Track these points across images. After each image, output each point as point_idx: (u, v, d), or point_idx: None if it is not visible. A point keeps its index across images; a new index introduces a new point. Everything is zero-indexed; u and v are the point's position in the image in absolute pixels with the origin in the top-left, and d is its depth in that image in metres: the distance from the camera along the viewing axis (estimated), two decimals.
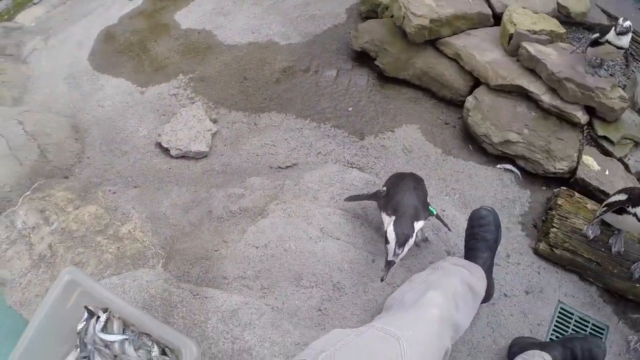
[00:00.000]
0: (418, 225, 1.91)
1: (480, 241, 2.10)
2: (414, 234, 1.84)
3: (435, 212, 2.04)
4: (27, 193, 2.49)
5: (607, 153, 2.78)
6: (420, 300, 1.70)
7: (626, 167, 2.77)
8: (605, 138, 2.79)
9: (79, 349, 1.82)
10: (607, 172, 2.66)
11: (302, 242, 2.12)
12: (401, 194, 1.94)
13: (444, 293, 1.74)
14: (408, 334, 1.52)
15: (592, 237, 2.35)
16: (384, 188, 2.08)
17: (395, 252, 1.78)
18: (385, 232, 1.82)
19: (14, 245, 2.29)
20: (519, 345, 2.16)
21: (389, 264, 1.81)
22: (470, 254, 2.11)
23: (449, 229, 2.19)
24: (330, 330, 1.64)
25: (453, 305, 1.74)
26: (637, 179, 2.76)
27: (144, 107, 3.08)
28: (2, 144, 2.62)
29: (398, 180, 2.07)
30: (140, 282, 2.02)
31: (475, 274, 1.94)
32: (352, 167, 2.60)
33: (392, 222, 1.83)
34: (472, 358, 2.17)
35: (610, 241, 2.36)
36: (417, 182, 2.07)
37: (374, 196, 2.11)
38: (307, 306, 1.99)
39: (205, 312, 1.89)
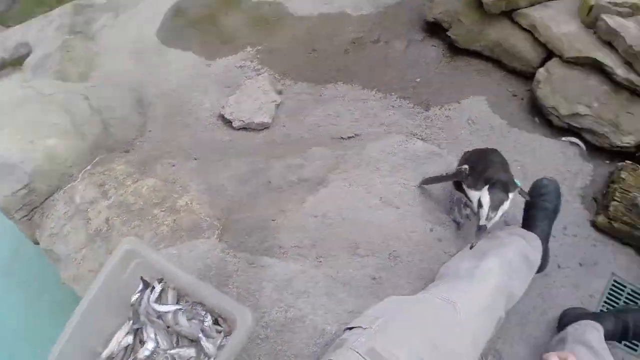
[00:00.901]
0: (511, 195, 1.80)
1: (539, 210, 2.03)
2: (508, 200, 1.73)
3: (519, 184, 1.94)
4: (88, 168, 2.49)
5: None
6: (476, 269, 1.67)
7: None
8: None
9: (131, 321, 1.80)
10: None
11: (361, 211, 2.05)
12: (492, 168, 1.84)
13: (500, 262, 1.70)
14: (464, 300, 1.50)
15: None
16: (465, 166, 1.96)
17: (488, 215, 1.70)
18: (480, 197, 1.73)
19: (71, 221, 2.30)
20: (570, 315, 2.10)
21: (481, 229, 1.72)
22: (528, 222, 2.04)
23: (529, 198, 2.06)
24: (384, 299, 1.59)
25: (508, 275, 1.70)
26: None
27: (209, 79, 3.05)
28: (67, 120, 2.62)
29: (483, 156, 1.97)
30: (197, 252, 1.98)
31: (531, 243, 1.88)
32: (416, 137, 2.50)
33: (485, 189, 1.74)
34: (522, 328, 2.09)
35: None
36: (501, 156, 1.97)
37: (456, 175, 2.00)
38: (362, 275, 1.93)
39: (260, 281, 1.84)
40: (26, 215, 2.41)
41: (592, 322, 1.92)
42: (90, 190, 2.36)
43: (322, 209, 2.06)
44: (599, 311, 2.21)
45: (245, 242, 2.07)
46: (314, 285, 1.83)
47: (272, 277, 1.85)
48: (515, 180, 1.89)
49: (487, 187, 1.76)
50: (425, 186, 2.19)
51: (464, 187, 1.94)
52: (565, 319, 2.10)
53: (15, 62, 3.72)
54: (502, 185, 1.75)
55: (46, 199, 2.42)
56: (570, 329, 1.95)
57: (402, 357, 1.31)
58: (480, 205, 1.72)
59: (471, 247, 1.77)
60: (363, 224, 2.02)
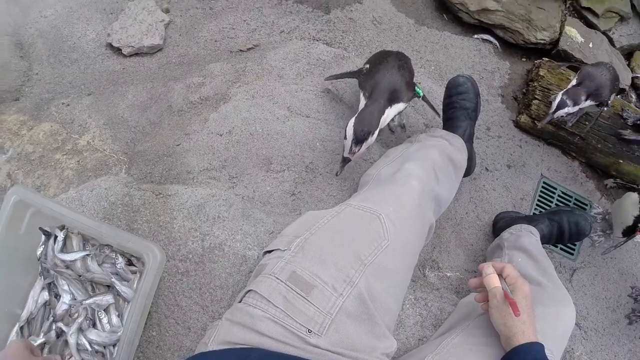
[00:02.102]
0: (396, 107, 1.74)
1: (458, 109, 1.97)
2: (376, 132, 1.66)
3: (422, 94, 1.85)
4: None
5: (591, 25, 2.69)
6: (398, 173, 1.58)
7: (610, 40, 2.69)
8: (589, 10, 2.69)
9: (42, 276, 1.67)
10: (590, 45, 2.58)
11: (269, 123, 1.95)
12: (382, 74, 1.74)
13: (423, 165, 1.62)
14: (388, 209, 1.40)
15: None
16: (367, 65, 1.87)
17: (351, 149, 1.62)
18: (346, 125, 1.64)
19: None
20: (504, 220, 2.11)
21: (344, 161, 1.67)
22: (448, 123, 1.99)
23: (438, 115, 2.02)
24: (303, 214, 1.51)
25: (433, 177, 1.63)
26: (622, 54, 2.70)
27: (88, 8, 2.79)
28: None
29: (381, 59, 1.85)
30: (99, 190, 1.83)
31: (454, 144, 1.82)
32: (319, 42, 2.39)
33: (357, 115, 1.65)
34: (457, 235, 2.09)
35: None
36: (402, 60, 1.85)
37: (356, 74, 1.91)
38: (280, 191, 1.86)
39: (170, 212, 1.72)
40: None
41: (527, 225, 1.93)
42: None
43: (228, 126, 1.96)
44: (532, 214, 2.23)
45: (152, 172, 1.97)
46: (227, 208, 1.73)
47: (181, 205, 1.74)
48: (418, 88, 1.84)
49: (364, 104, 1.70)
50: (331, 82, 2.11)
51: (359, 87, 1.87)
52: (500, 224, 2.11)
53: None
54: (381, 105, 1.68)
55: None
56: (505, 234, 1.95)
57: (326, 277, 1.23)
58: (345, 137, 1.65)
59: (336, 174, 1.73)
60: (274, 137, 1.93)
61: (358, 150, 1.63)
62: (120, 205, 1.77)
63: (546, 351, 1.29)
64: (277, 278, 1.24)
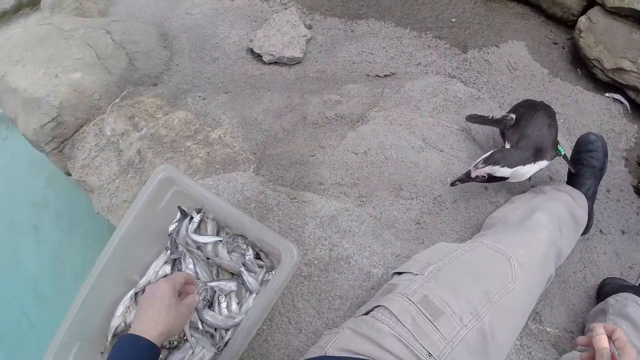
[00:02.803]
0: (539, 165, 1.75)
1: (586, 167, 1.96)
2: (507, 170, 1.69)
3: (563, 153, 1.86)
4: (116, 101, 2.44)
5: None
6: (527, 221, 1.60)
7: None
8: None
9: (169, 251, 1.76)
10: None
11: (404, 151, 1.99)
12: (532, 129, 1.76)
13: (550, 217, 1.63)
14: (518, 254, 1.43)
15: None
16: (512, 115, 1.88)
17: (477, 164, 1.66)
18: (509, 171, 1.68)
19: (102, 152, 2.27)
20: (611, 286, 2.04)
21: (466, 175, 1.70)
22: (574, 180, 1.97)
23: (573, 171, 2.00)
24: (431, 245, 1.55)
25: (557, 230, 1.64)
26: None
27: (234, 13, 2.96)
28: (90, 54, 2.56)
29: (531, 112, 1.85)
30: (235, 184, 1.93)
31: (578, 202, 1.82)
32: (455, 79, 2.45)
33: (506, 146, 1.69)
34: (562, 292, 2.06)
35: None
36: (551, 117, 1.85)
37: (499, 123, 1.92)
38: (406, 218, 1.88)
39: (303, 217, 1.79)
40: (56, 148, 2.39)
41: (634, 295, 1.88)
42: (120, 122, 2.31)
43: (364, 146, 2.01)
44: (638, 284, 2.19)
45: (283, 176, 2.04)
46: (359, 224, 1.78)
47: (315, 213, 1.80)
48: (560, 147, 1.84)
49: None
50: (469, 124, 2.13)
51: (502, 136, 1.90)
52: (606, 289, 2.06)
53: (31, 3, 3.59)
54: (527, 153, 1.71)
55: (75, 131, 2.39)
56: (611, 300, 1.91)
57: (455, 307, 1.27)
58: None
59: (451, 185, 1.78)
60: (407, 165, 1.97)
61: (481, 168, 1.66)
62: (254, 201, 1.86)
63: None
64: (409, 299, 1.28)
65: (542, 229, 1.57)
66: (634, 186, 2.35)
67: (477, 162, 1.70)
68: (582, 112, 2.48)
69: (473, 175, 1.71)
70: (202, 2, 3.09)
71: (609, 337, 1.40)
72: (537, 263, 1.49)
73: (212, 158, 2.16)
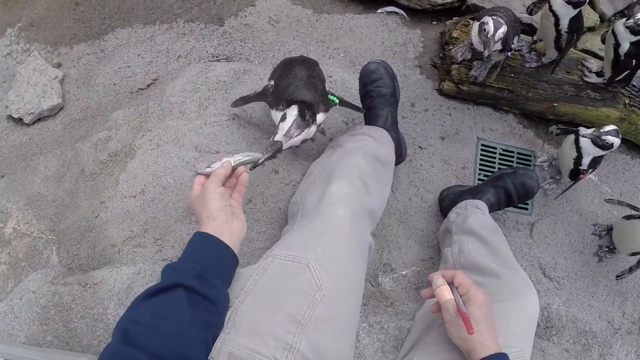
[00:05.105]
0: (318, 118, 1.63)
1: (376, 98, 1.87)
2: (315, 124, 1.59)
3: (337, 101, 1.74)
4: None
5: None
6: (322, 200, 1.47)
7: None
8: None
9: None
10: None
11: (179, 171, 1.83)
12: (293, 87, 1.62)
13: (349, 179, 1.52)
14: (317, 253, 1.29)
15: (460, 60, 2.14)
16: (271, 82, 1.74)
17: (289, 131, 1.50)
18: (285, 112, 1.54)
19: None
20: (449, 197, 2.04)
21: (274, 145, 1.49)
22: (368, 115, 1.89)
23: (361, 111, 1.91)
24: None
25: (362, 190, 1.53)
26: None
27: None
28: None
29: (286, 70, 1.72)
30: (28, 296, 1.68)
31: (378, 138, 1.74)
32: (218, 61, 2.27)
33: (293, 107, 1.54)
34: (404, 226, 2.01)
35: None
36: (310, 68, 1.74)
37: (262, 95, 1.77)
38: None
39: (101, 302, 1.60)
40: None
41: (472, 201, 1.88)
42: None
43: (139, 185, 1.83)
44: (477, 182, 2.17)
45: (78, 253, 1.86)
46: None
47: (109, 292, 1.60)
48: (332, 96, 1.73)
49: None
50: (236, 108, 1.99)
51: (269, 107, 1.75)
52: (445, 202, 2.05)
53: None
54: (309, 108, 1.57)
55: None
56: (452, 215, 1.89)
57: (264, 350, 1.13)
58: (283, 118, 1.54)
59: (258, 164, 1.58)
60: (187, 185, 1.81)
61: (296, 135, 1.52)
62: (52, 306, 1.64)
63: (515, 350, 1.29)
64: None
65: (338, 207, 1.44)
66: (436, 90, 2.31)
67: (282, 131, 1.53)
68: (360, 38, 2.39)
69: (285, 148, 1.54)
70: None
71: (451, 284, 1.35)
72: (342, 251, 1.36)
73: (14, 258, 1.97)
